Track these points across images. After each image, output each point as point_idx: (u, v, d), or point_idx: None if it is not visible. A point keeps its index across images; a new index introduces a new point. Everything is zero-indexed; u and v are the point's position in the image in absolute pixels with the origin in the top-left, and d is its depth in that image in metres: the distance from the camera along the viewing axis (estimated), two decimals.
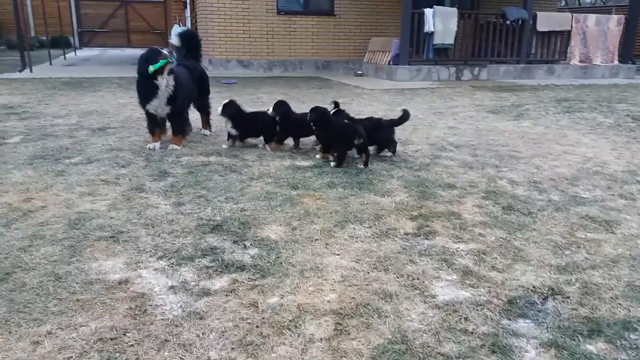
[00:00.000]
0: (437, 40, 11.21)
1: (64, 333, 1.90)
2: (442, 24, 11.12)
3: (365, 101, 8.15)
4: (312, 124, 4.31)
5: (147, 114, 4.56)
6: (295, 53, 13.29)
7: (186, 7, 13.08)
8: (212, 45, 12.60)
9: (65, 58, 16.35)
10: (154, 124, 4.63)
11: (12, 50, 19.54)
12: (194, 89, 4.97)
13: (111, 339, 1.87)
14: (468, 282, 2.36)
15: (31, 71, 11.32)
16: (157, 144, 4.62)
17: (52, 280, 2.26)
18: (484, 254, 2.65)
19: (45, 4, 15.18)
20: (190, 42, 5.36)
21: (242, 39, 12.78)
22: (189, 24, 13.00)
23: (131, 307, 2.07)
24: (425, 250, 2.68)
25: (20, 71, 11.27)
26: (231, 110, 4.59)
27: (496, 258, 2.60)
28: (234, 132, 4.66)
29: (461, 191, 3.63)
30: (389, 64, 11.57)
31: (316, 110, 4.29)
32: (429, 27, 11.08)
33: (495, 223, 3.05)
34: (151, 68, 4.28)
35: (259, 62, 13.04)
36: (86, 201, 3.25)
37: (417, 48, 11.40)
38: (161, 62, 4.29)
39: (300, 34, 13.20)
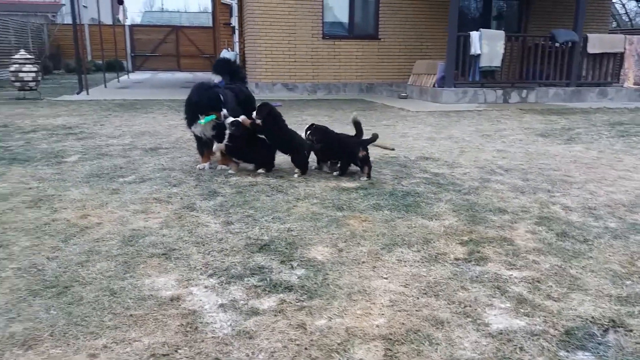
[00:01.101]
0: (484, 62, 11.10)
1: (119, 347, 1.94)
2: (488, 46, 11.01)
3: (409, 123, 8.11)
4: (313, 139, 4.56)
5: (195, 135, 4.69)
6: (340, 76, 13.43)
7: (234, 33, 13.47)
8: (259, 69, 12.91)
9: (119, 81, 17.10)
10: (202, 145, 4.75)
11: (69, 74, 20.63)
12: (239, 112, 5.03)
13: (163, 355, 1.89)
14: (522, 310, 2.28)
15: (87, 93, 11.89)
16: (207, 165, 4.74)
17: (108, 295, 2.33)
18: (538, 281, 2.55)
19: (102, 30, 15.98)
20: (227, 68, 5.44)
21: (288, 63, 13.04)
22: (237, 49, 13.37)
23: (182, 324, 2.10)
24: (477, 277, 2.61)
25: (77, 93, 11.85)
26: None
27: (551, 286, 2.50)
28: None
29: (513, 216, 3.54)
30: (434, 86, 11.51)
31: (318, 129, 4.61)
32: (475, 49, 11.00)
33: (549, 250, 2.95)
34: (202, 121, 4.45)
35: (303, 85, 13.24)
36: (139, 219, 3.35)
37: (462, 71, 11.31)
38: (209, 118, 4.42)
39: (344, 58, 13.35)
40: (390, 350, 1.97)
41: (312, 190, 4.12)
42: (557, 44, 11.68)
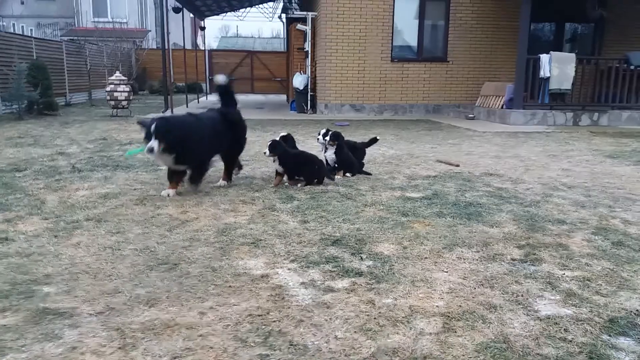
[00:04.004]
0: (553, 85, 11.06)
1: (222, 309, 2.39)
2: (558, 69, 10.98)
3: (475, 142, 8.30)
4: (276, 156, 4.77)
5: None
6: (406, 97, 13.77)
7: (307, 57, 14.19)
8: (328, 91, 13.51)
9: (198, 102, 18.31)
10: (172, 173, 4.50)
11: (153, 94, 22.27)
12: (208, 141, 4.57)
13: (258, 315, 2.32)
14: (571, 302, 2.52)
15: (172, 112, 12.92)
16: (172, 192, 4.43)
17: (209, 271, 2.81)
18: (589, 280, 2.78)
19: (186, 54, 17.27)
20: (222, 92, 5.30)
21: (357, 85, 13.55)
22: (308, 72, 14.06)
23: (272, 295, 2.53)
24: (531, 274, 2.87)
25: (163, 112, 12.91)
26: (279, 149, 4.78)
27: (601, 285, 2.72)
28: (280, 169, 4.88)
29: (571, 227, 3.73)
30: (502, 108, 11.59)
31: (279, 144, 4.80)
32: (544, 72, 11.00)
33: (603, 255, 3.14)
34: (127, 152, 4.79)
35: (370, 106, 13.68)
36: (229, 215, 3.86)
37: (531, 93, 11.32)
38: (137, 151, 4.65)
39: (412, 80, 13.69)
40: (447, 324, 2.29)
41: (379, 198, 4.49)
42: (631, 67, 11.43)
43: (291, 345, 2.09)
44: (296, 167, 4.92)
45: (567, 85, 11.13)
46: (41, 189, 4.62)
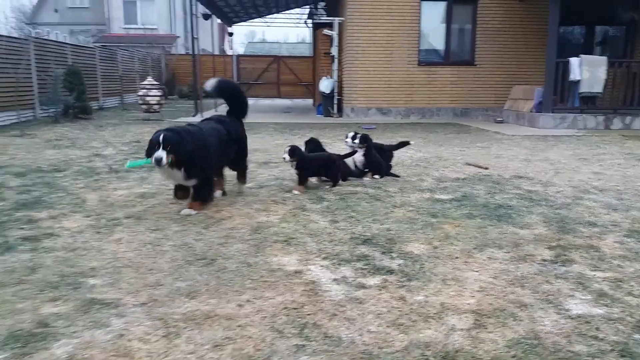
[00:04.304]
0: (584, 88, 10.91)
1: (259, 301, 2.49)
2: (589, 72, 10.82)
3: (504, 146, 8.26)
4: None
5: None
6: (434, 101, 13.75)
7: (333, 61, 14.29)
8: (355, 94, 13.60)
9: (227, 106, 18.62)
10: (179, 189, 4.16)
11: (182, 99, 22.67)
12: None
13: (293, 308, 2.41)
14: (602, 302, 2.54)
15: (202, 116, 13.19)
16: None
17: (245, 266, 2.91)
18: (620, 281, 2.78)
19: (214, 60, 17.59)
20: (225, 94, 4.79)
21: (383, 89, 13.60)
22: (335, 77, 14.16)
23: (305, 290, 2.62)
24: (562, 275, 2.88)
25: (193, 116, 13.19)
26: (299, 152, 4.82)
27: (633, 286, 2.72)
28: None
29: (602, 229, 3.71)
30: (531, 111, 11.47)
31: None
32: (574, 75, 10.86)
33: (636, 257, 3.13)
34: (128, 164, 4.72)
35: (397, 109, 13.70)
36: (262, 215, 3.97)
37: (561, 96, 11.18)
38: (139, 162, 4.11)
39: (439, 83, 13.66)
40: (478, 320, 2.34)
41: (408, 199, 4.53)
42: None
43: (326, 337, 2.17)
44: (319, 169, 5.06)
45: (598, 88, 10.96)
46: (81, 188, 4.82)
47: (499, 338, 2.18)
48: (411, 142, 5.97)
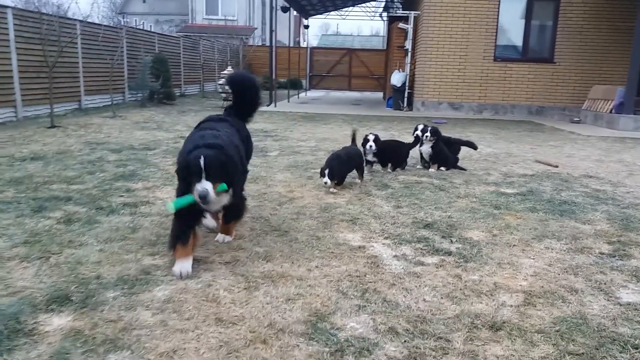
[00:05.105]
0: None
1: (326, 268, 2.79)
2: None
3: (578, 146, 8.08)
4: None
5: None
6: (508, 97, 13.49)
7: (407, 55, 14.36)
8: (427, 88, 13.60)
9: (298, 97, 19.15)
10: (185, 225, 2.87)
11: None
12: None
13: (356, 276, 2.70)
14: None
15: (275, 106, 13.72)
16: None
17: (314, 239, 3.23)
18: None
19: (290, 52, 18.11)
20: (239, 89, 3.65)
21: (456, 83, 13.51)
22: (407, 70, 14.23)
23: (368, 262, 2.89)
24: (617, 267, 2.97)
25: (267, 105, 13.75)
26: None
27: None
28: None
29: None
30: (610, 112, 11.03)
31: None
32: None
33: None
34: (172, 205, 2.74)
35: (469, 104, 13.57)
36: (330, 197, 4.28)
37: None
38: (183, 201, 2.68)
39: (515, 80, 13.39)
40: (528, 300, 2.51)
41: (472, 191, 4.68)
42: None
43: (385, 301, 2.43)
44: (387, 155, 5.48)
45: None
46: (170, 165, 5.34)
47: (546, 315, 2.35)
48: (477, 147, 6.04)
